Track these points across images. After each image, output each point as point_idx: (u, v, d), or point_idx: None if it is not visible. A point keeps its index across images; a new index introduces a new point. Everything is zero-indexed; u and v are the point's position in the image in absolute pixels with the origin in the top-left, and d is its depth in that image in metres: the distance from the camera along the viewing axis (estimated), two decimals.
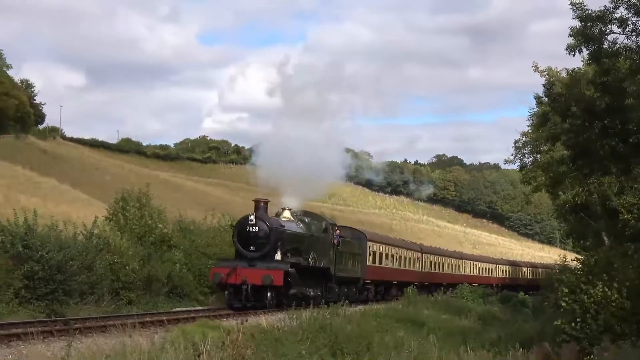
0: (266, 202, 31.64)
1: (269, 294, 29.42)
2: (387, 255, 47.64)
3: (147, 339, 14.45)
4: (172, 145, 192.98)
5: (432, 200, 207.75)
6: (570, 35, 26.98)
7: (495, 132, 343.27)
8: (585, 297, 20.28)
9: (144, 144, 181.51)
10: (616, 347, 17.72)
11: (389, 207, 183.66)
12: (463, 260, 69.06)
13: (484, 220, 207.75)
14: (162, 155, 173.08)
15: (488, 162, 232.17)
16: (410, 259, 53.03)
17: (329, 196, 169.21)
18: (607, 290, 20.02)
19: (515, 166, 53.91)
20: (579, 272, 22.50)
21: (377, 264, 45.32)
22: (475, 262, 73.24)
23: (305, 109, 36.81)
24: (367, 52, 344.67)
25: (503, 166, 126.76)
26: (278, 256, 30.45)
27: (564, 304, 21.17)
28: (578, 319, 20.23)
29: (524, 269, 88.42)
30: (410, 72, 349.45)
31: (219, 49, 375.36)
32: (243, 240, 30.54)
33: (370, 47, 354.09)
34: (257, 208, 31.25)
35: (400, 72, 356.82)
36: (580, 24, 26.53)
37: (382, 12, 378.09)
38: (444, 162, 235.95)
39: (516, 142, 50.06)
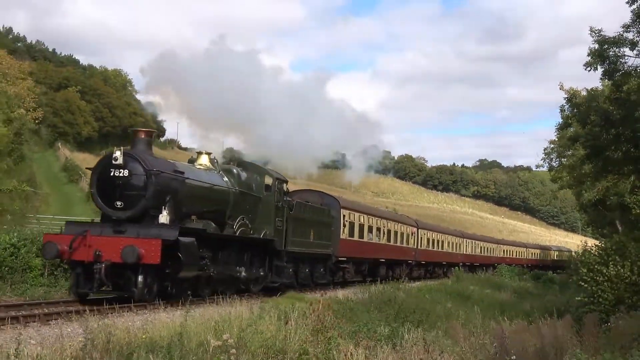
0: (149, 134, 17.90)
1: (139, 278, 15.87)
2: (370, 227, 33.51)
3: (248, 309, 14.62)
4: None
5: (476, 196, 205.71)
6: (588, 55, 26.65)
7: (528, 140, 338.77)
8: (600, 276, 20.00)
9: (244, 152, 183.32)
10: (629, 315, 17.39)
11: (440, 202, 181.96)
12: (464, 239, 55.48)
13: (519, 213, 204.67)
14: None
15: (522, 165, 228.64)
16: (402, 234, 38.98)
17: (391, 193, 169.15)
18: (619, 268, 19.73)
19: (544, 168, 54.40)
20: (596, 255, 22.14)
21: (355, 238, 31.30)
22: (477, 241, 60.17)
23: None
24: (425, 76, 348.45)
25: (534, 169, 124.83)
26: (163, 218, 16.77)
27: (583, 283, 20.88)
28: (595, 294, 19.98)
29: (552, 252, 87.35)
30: (459, 92, 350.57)
31: (306, 75, 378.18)
32: (105, 192, 16.74)
33: (427, 72, 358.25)
34: (133, 142, 17.45)
35: (451, 92, 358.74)
36: (597, 46, 26.23)
37: (437, 43, 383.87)
38: (485, 165, 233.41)
39: (545, 149, 51.15)
